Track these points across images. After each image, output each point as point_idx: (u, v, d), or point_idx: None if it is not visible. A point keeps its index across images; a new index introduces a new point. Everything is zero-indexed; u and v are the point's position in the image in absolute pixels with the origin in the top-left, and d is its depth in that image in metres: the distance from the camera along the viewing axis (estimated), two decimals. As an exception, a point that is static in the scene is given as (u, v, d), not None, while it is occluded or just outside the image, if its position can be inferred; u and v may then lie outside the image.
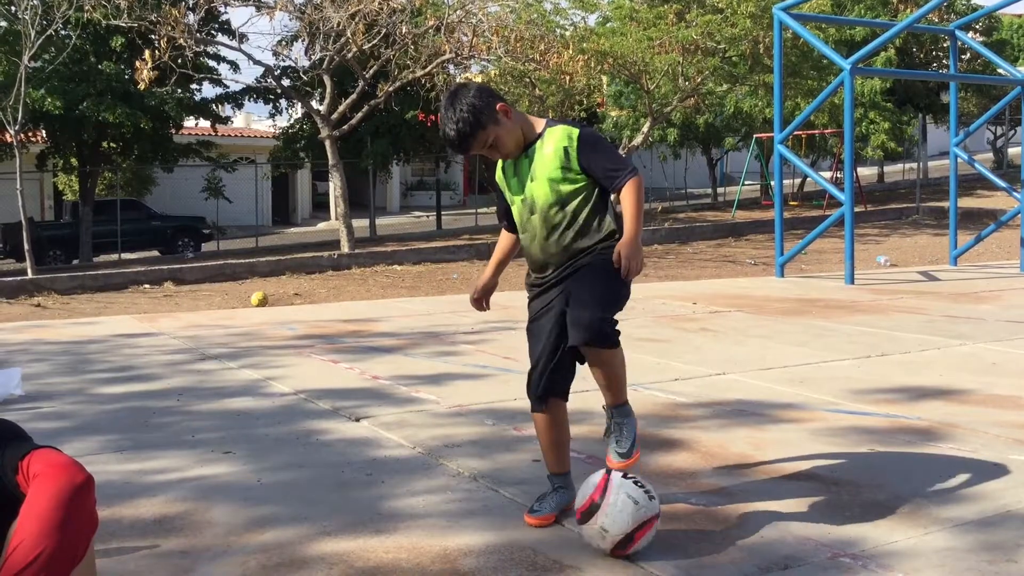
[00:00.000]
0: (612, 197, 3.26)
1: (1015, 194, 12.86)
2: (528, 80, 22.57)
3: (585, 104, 24.78)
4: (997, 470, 3.89)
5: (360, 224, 23.94)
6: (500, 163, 3.34)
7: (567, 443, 3.44)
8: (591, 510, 3.00)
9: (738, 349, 6.75)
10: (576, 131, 3.19)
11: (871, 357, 6.43)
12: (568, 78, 21.31)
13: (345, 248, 18.89)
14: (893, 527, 3.26)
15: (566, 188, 3.19)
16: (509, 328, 8.02)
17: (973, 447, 4.23)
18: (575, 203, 3.20)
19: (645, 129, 22.45)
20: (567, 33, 21.24)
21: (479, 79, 26.84)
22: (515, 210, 3.33)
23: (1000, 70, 15.00)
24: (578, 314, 3.14)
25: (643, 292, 10.75)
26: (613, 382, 3.32)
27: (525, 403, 5.18)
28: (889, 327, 7.71)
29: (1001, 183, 13.51)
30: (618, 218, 3.27)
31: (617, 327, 3.22)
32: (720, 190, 32.11)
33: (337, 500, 3.61)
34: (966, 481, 3.76)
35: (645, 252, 18.41)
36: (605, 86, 26.93)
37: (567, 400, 3.43)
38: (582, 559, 3.02)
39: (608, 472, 3.16)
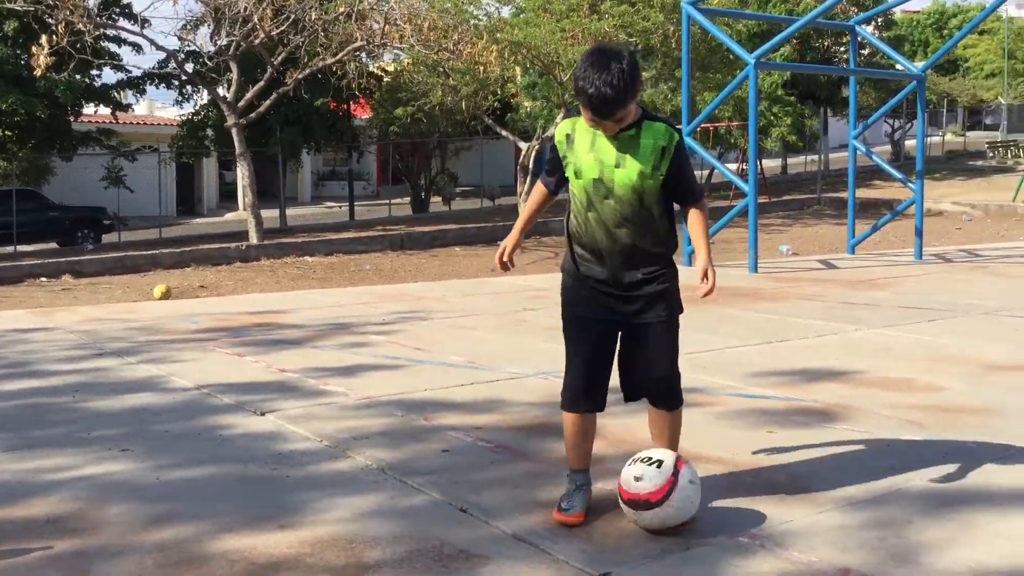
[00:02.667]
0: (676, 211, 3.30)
1: (910, 185, 13.36)
2: (442, 69, 22.46)
3: (499, 94, 24.80)
4: (889, 450, 4.04)
5: (270, 214, 23.49)
6: (571, 128, 3.25)
7: (592, 440, 3.44)
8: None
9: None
10: (676, 136, 3.19)
11: (772, 343, 6.62)
12: (482, 68, 21.28)
13: (253, 239, 18.52)
14: (791, 507, 3.36)
15: (650, 186, 3.16)
16: (420, 319, 7.98)
17: (867, 427, 4.39)
18: (654, 204, 3.20)
19: (558, 120, 22.59)
20: (480, 23, 21.19)
21: (392, 67, 26.60)
22: (579, 185, 3.22)
23: (898, 65, 15.55)
24: (664, 377, 3.27)
25: (555, 282, 10.81)
26: (675, 438, 3.39)
27: (435, 393, 5.20)
28: (790, 313, 7.94)
29: (897, 174, 14.02)
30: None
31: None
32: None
33: (239, 496, 3.54)
34: (860, 461, 3.90)
35: (558, 242, 18.61)
36: (519, 77, 26.99)
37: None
38: (489, 548, 3.03)
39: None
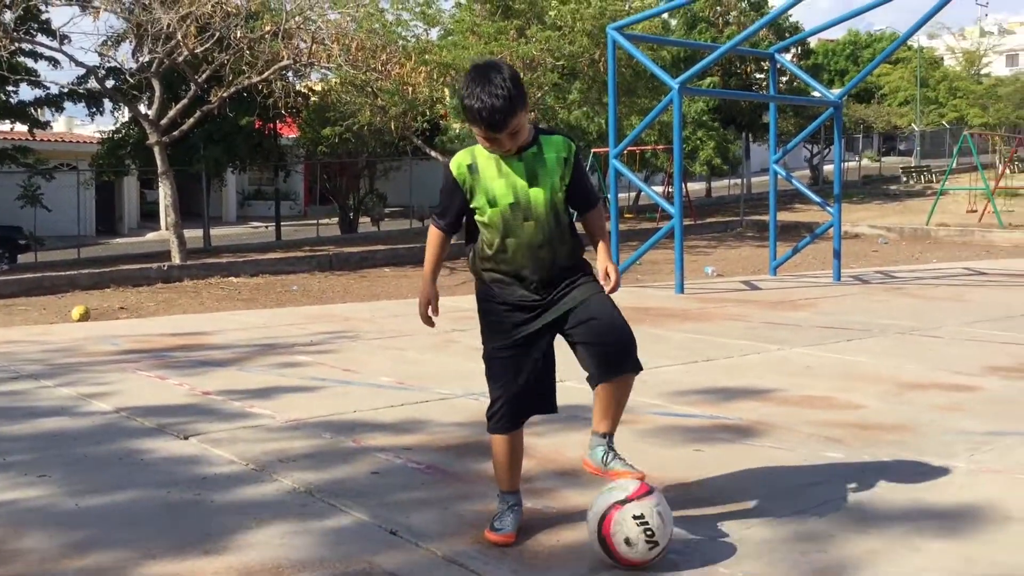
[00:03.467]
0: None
1: (828, 208, 13.77)
2: (370, 90, 22.42)
3: (428, 115, 24.84)
4: (812, 467, 4.14)
5: (194, 234, 23.05)
6: (471, 158, 3.14)
7: (521, 461, 3.40)
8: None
9: (573, 356, 6.91)
10: (573, 146, 3.19)
11: (697, 362, 6.73)
12: (410, 89, 21.31)
13: (176, 259, 18.15)
14: (717, 522, 3.42)
15: (559, 199, 3.15)
16: (349, 340, 7.91)
17: (790, 445, 4.49)
18: (564, 217, 3.19)
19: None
20: (409, 44, 21.23)
21: (319, 87, 26.43)
22: (494, 213, 3.12)
23: (815, 92, 16.03)
24: (622, 345, 3.16)
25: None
26: (622, 408, 3.31)
27: (364, 414, 5.16)
28: (714, 333, 8.09)
29: (816, 198, 14.43)
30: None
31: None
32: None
33: (162, 521, 3.45)
34: (784, 477, 3.98)
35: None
36: (447, 98, 27.10)
37: None
38: (419, 571, 3.01)
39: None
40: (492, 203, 3.12)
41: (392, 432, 4.74)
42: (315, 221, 29.37)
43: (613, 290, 3.21)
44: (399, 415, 5.11)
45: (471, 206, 3.17)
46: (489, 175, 3.13)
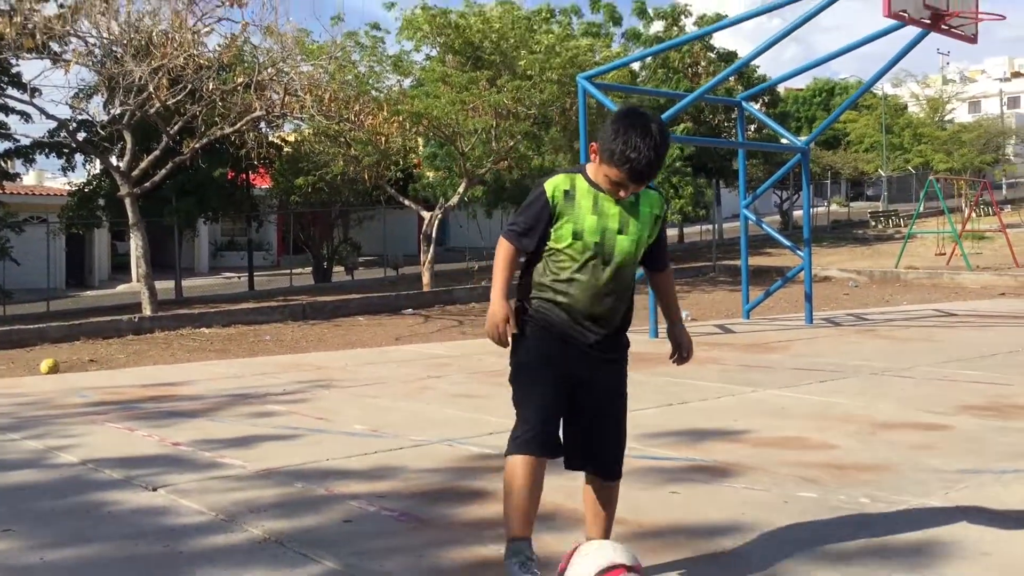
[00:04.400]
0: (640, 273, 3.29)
1: (799, 252, 13.91)
2: (343, 140, 22.52)
3: (401, 164, 24.96)
4: (786, 506, 4.13)
5: (165, 285, 22.88)
6: (570, 185, 3.05)
7: (538, 504, 3.17)
8: None
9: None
10: (665, 205, 3.19)
11: (672, 405, 6.72)
12: (383, 139, 21.42)
13: (147, 311, 17.96)
14: (697, 565, 3.39)
15: (640, 254, 3.14)
16: (322, 388, 7.84)
17: (765, 485, 4.48)
18: (634, 272, 3.15)
19: (461, 189, 22.82)
20: (381, 95, 21.39)
21: (292, 138, 26.52)
22: (576, 247, 3.03)
23: (783, 139, 16.32)
24: (614, 451, 3.19)
25: (460, 349, 10.82)
26: (612, 508, 3.28)
27: (337, 463, 5.09)
28: (689, 376, 8.09)
29: (786, 242, 14.59)
30: None
31: None
32: (533, 249, 32.90)
33: (130, 574, 3.37)
34: (760, 517, 3.96)
35: (463, 310, 18.64)
36: (420, 147, 27.25)
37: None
38: (392, 618, 2.95)
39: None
40: (577, 236, 3.04)
41: (365, 479, 4.68)
42: (288, 271, 29.25)
43: (681, 361, 3.32)
44: (372, 463, 5.05)
45: (554, 231, 3.05)
46: (585, 208, 3.05)
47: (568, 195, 3.04)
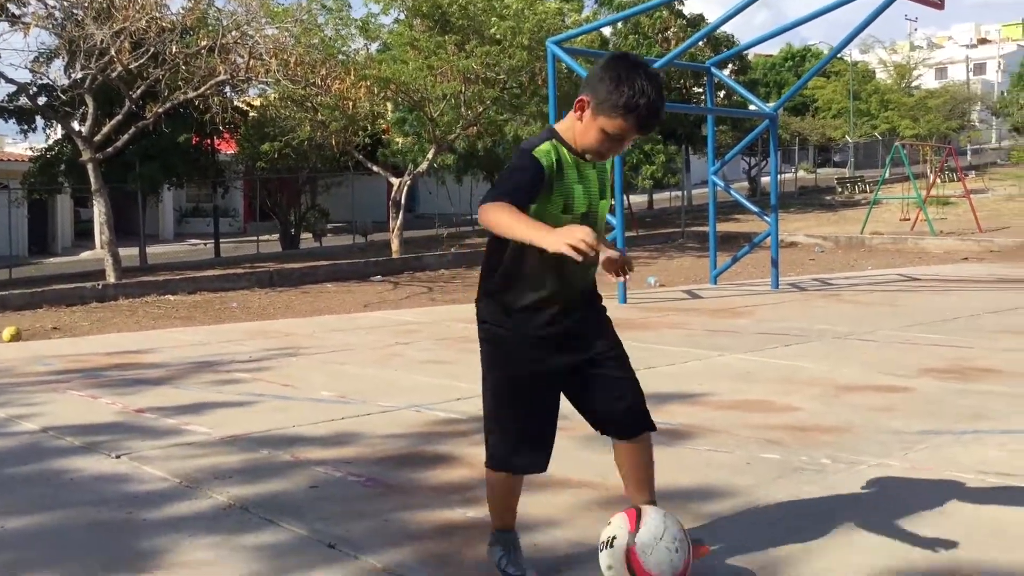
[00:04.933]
0: None
1: (766, 218, 13.98)
2: (310, 105, 22.24)
3: (369, 130, 24.72)
4: (749, 467, 4.18)
5: (129, 252, 22.57)
6: (557, 155, 2.69)
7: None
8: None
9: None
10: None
11: (639, 369, 6.69)
12: (351, 104, 21.18)
13: (111, 278, 17.74)
14: (657, 527, 3.42)
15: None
16: (289, 356, 7.80)
17: (729, 447, 4.53)
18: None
19: (430, 156, 22.67)
20: (348, 60, 21.11)
21: (257, 102, 26.15)
22: (564, 221, 2.66)
23: (751, 105, 16.33)
24: (639, 401, 2.95)
25: (429, 316, 10.80)
26: (650, 467, 3.09)
27: (303, 429, 5.07)
28: (657, 341, 8.15)
29: (754, 208, 14.66)
30: None
31: None
32: (503, 216, 32.78)
33: (92, 541, 3.35)
34: (723, 478, 4.01)
35: (432, 277, 18.59)
36: (389, 113, 26.99)
37: None
38: (356, 581, 2.96)
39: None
40: (567, 209, 2.72)
41: (331, 445, 4.67)
42: (255, 238, 28.95)
43: (622, 266, 2.94)
44: (339, 428, 5.04)
45: (538, 206, 2.67)
46: (571, 177, 2.74)
47: (559, 165, 2.71)
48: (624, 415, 2.92)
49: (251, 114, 26.36)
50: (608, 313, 3.03)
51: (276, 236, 30.38)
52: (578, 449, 4.51)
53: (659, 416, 5.17)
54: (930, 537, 3.26)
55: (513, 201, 2.55)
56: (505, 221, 2.49)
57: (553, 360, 2.83)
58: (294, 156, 26.13)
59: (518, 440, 2.86)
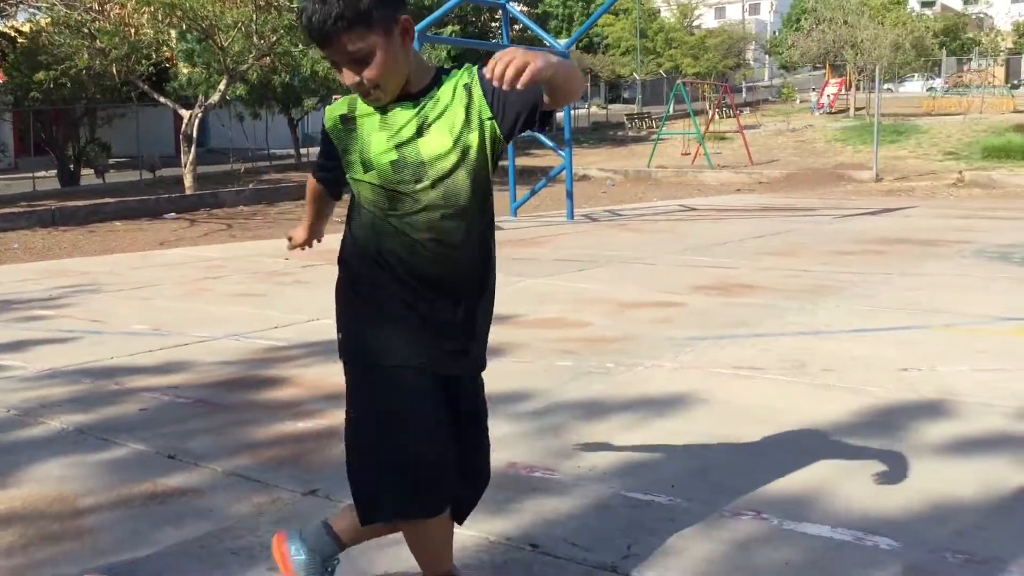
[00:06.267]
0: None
1: (560, 153, 14.74)
2: (87, 31, 20.90)
3: (153, 59, 23.52)
4: (546, 373, 4.75)
5: None
6: (347, 107, 2.26)
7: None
8: None
9: (329, 297, 7.19)
10: (474, 67, 2.23)
11: (447, 296, 7.22)
12: (133, 30, 20.09)
13: None
14: (469, 425, 3.90)
15: (473, 141, 2.17)
16: (91, 292, 7.69)
17: (530, 358, 5.08)
18: (482, 174, 2.21)
19: (222, 87, 21.92)
20: (129, -17, 19.93)
21: (27, 28, 24.21)
22: (367, 184, 2.21)
23: (544, 42, 16.94)
24: (486, 468, 2.42)
25: (233, 252, 10.78)
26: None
27: (122, 360, 5.19)
28: (461, 270, 8.63)
29: (549, 143, 15.38)
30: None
31: None
32: (303, 151, 32.27)
33: (-73, 469, 3.44)
34: (526, 383, 4.55)
35: (231, 214, 18.20)
36: (174, 41, 25.70)
37: None
38: (203, 485, 3.25)
39: None
40: (368, 167, 2.20)
41: (155, 374, 4.84)
42: (30, 174, 27.00)
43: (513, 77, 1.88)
44: (159, 358, 5.20)
45: (346, 171, 2.27)
46: (369, 127, 2.23)
47: (346, 120, 2.26)
48: (479, 490, 2.44)
49: (20, 41, 24.40)
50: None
51: (53, 172, 28.46)
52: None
53: (466, 335, 5.68)
54: (695, 419, 3.93)
55: (314, 174, 2.48)
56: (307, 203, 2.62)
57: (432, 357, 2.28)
58: (70, 86, 24.50)
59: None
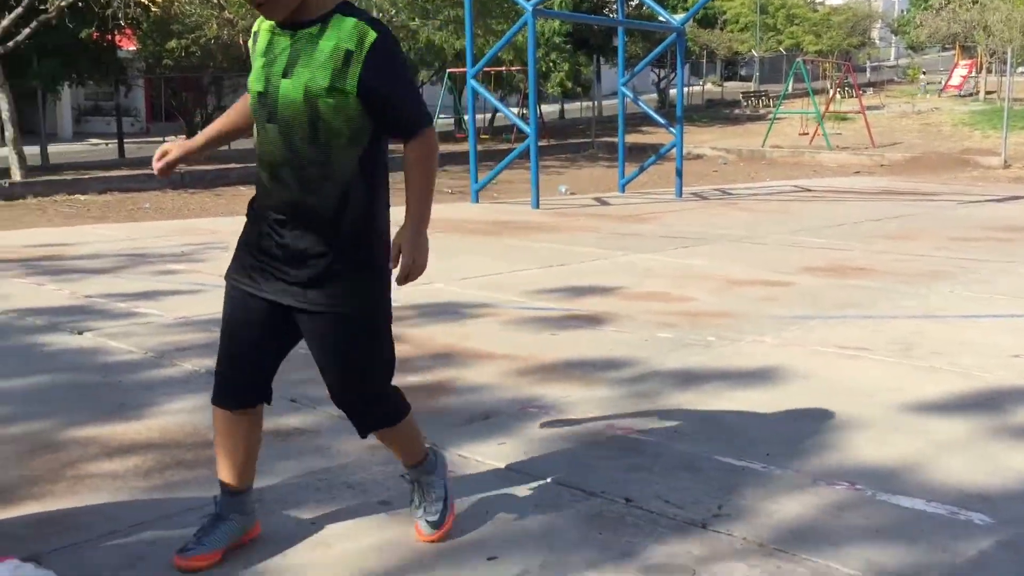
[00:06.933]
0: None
1: (672, 130, 14.64)
2: (216, 1, 21.76)
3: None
4: (646, 344, 4.84)
5: (30, 151, 21.97)
6: (257, 27, 2.34)
7: (248, 454, 2.53)
8: None
9: (440, 264, 7.42)
10: (374, 34, 2.21)
11: (552, 267, 7.38)
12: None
13: (17, 176, 17.41)
14: (568, 386, 4.05)
15: (327, 109, 2.21)
16: (220, 249, 8.13)
17: (630, 329, 5.18)
18: (335, 141, 2.25)
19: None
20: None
21: (162, -2, 25.31)
22: (252, 103, 2.32)
23: (660, 17, 16.80)
24: (346, 398, 2.46)
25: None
26: (398, 445, 2.61)
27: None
28: (568, 243, 8.76)
29: (661, 120, 15.30)
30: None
31: (391, 388, 2.52)
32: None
33: (78, 398, 3.80)
34: (625, 351, 4.66)
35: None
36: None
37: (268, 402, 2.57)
38: (320, 427, 3.49)
39: None
40: (248, 87, 2.33)
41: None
42: (160, 138, 28.35)
43: (405, 278, 2.34)
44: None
45: None
46: (258, 49, 2.30)
47: (255, 35, 2.33)
48: (337, 401, 2.52)
49: (154, 10, 25.56)
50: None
51: (182, 137, 29.79)
52: (501, 330, 5.10)
53: (570, 305, 5.85)
54: (787, 391, 3.98)
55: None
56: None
57: (255, 274, 2.37)
58: (200, 54, 25.57)
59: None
